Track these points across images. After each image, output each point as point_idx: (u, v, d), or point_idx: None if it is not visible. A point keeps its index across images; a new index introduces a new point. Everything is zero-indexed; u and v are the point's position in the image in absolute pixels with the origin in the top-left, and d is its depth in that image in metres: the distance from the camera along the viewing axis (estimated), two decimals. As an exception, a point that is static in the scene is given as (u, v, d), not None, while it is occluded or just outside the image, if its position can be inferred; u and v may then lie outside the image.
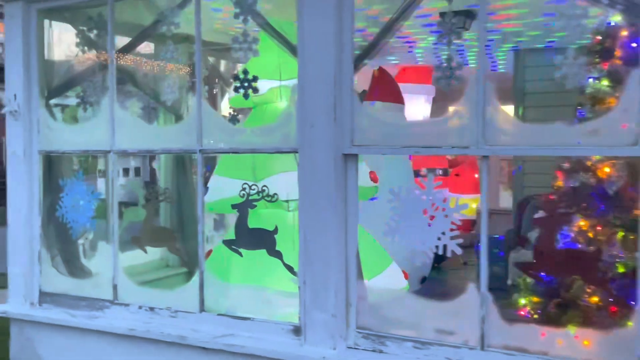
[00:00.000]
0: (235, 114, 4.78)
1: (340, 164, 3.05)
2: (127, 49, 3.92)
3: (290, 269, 3.35)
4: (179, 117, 4.67)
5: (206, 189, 4.40)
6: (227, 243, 3.42)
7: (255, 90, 3.54)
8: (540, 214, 4.70)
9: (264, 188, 3.37)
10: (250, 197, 3.37)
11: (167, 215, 5.34)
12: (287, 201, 4.10)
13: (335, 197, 3.05)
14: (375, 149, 3.04)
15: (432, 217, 2.91)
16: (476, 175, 9.50)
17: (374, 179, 4.43)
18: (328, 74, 3.03)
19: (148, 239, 3.74)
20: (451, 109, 2.87)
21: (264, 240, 3.34)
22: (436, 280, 7.66)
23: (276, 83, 4.39)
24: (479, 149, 2.76)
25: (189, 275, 5.72)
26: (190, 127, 3.47)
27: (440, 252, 2.85)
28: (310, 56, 3.07)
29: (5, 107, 3.98)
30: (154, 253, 6.65)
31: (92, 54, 3.88)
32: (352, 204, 3.08)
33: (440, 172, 9.14)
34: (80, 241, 3.98)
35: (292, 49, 3.24)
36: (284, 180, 4.17)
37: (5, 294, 4.03)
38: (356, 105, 3.04)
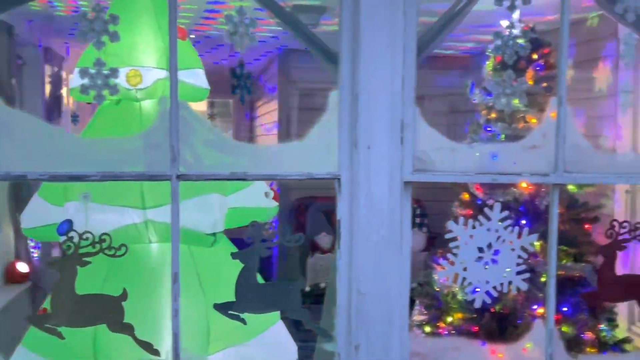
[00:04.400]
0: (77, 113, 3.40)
1: (403, 194, 2.42)
2: None
3: (323, 333, 2.50)
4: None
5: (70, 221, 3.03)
6: (221, 308, 2.35)
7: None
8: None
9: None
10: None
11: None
12: (214, 234, 3.08)
13: (399, 237, 2.41)
14: (440, 175, 2.49)
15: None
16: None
17: (275, 197, 3.67)
18: (392, 79, 2.36)
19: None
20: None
21: (282, 297, 2.41)
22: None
23: (163, 74, 3.25)
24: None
25: None
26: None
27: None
28: (370, 54, 2.34)
29: None
30: None
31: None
32: (406, 243, 2.48)
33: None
34: None
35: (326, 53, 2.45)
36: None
37: None
38: (418, 119, 2.44)
